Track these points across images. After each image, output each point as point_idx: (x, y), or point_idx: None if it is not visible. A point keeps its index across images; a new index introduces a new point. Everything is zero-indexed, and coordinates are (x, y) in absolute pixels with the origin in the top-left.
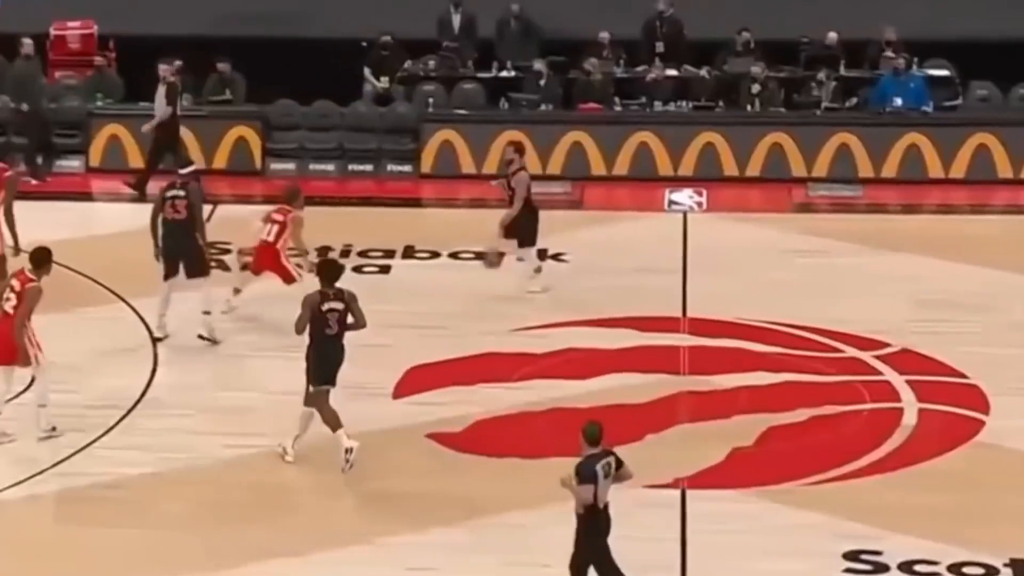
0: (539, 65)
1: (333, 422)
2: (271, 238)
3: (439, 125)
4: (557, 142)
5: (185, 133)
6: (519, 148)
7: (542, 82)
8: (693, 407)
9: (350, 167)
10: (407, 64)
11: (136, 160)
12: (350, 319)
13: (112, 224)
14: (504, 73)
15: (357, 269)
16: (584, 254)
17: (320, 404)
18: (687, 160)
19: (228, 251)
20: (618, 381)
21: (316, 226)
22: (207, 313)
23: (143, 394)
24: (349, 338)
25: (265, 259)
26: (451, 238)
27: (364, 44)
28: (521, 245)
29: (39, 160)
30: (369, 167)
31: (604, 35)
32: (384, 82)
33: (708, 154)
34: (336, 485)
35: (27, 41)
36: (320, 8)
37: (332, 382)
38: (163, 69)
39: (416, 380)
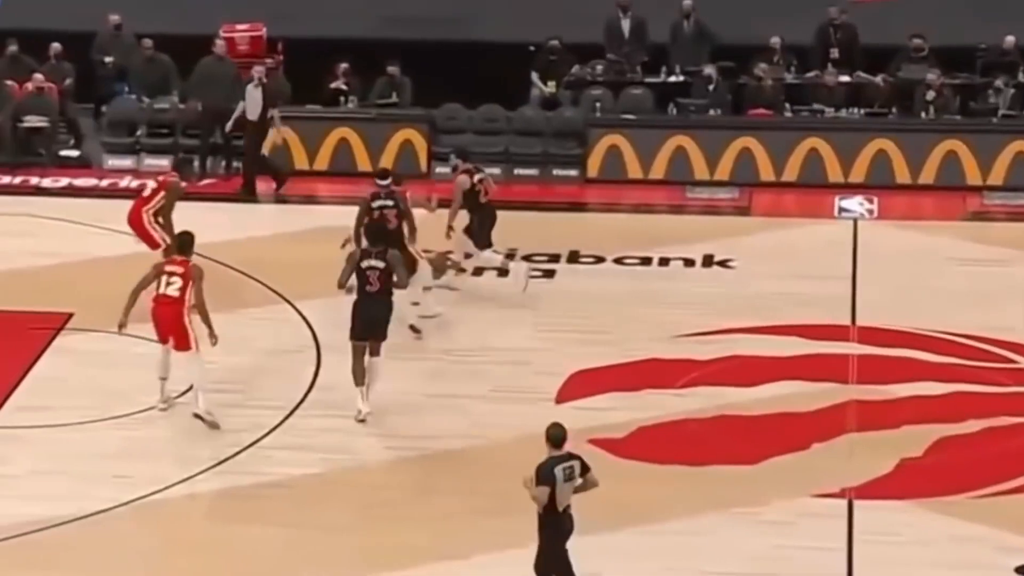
0: (709, 70)
1: (358, 377)
2: None
3: (606, 130)
4: (726, 148)
5: (350, 135)
6: (460, 154)
7: (711, 87)
8: (861, 416)
9: (516, 171)
10: (575, 68)
11: (301, 162)
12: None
13: (276, 225)
14: (673, 78)
15: None
16: (751, 260)
17: (354, 356)
18: (858, 167)
19: None
20: (785, 389)
21: None
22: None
23: (306, 394)
24: (517, 343)
25: None
26: (616, 243)
27: (532, 48)
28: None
29: (202, 162)
30: (535, 171)
31: (775, 40)
32: (551, 86)
33: (880, 161)
34: (497, 489)
35: (220, 41)
36: (488, 12)
37: (365, 338)
38: (257, 70)
39: (579, 385)
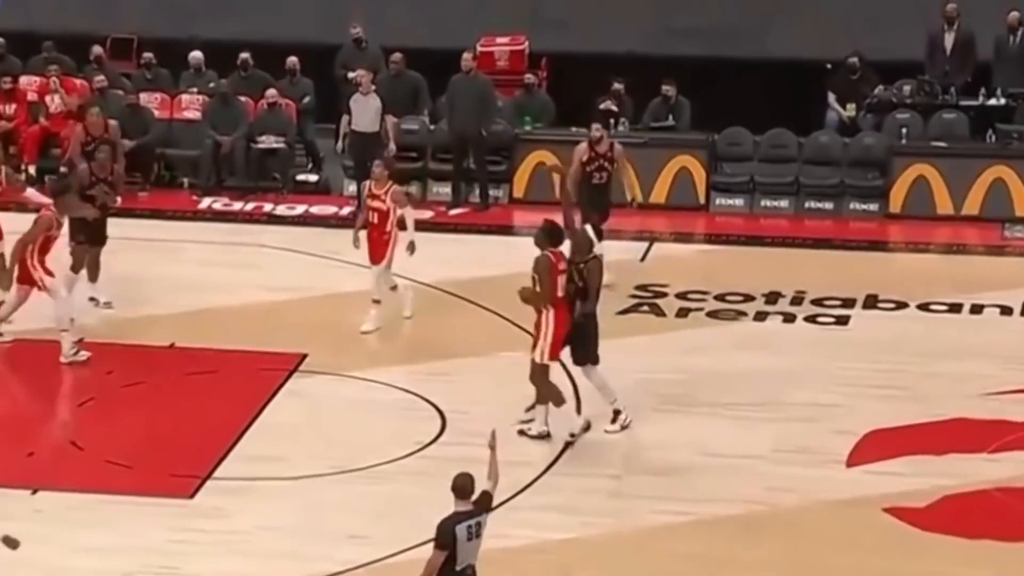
0: None
1: None
2: None
3: (913, 159)
4: None
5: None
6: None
7: None
8: None
9: (807, 204)
10: (878, 89)
11: (552, 192)
12: None
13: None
14: (993, 100)
15: (811, 319)
16: None
17: None
18: None
19: (664, 294)
20: None
21: (766, 269)
22: None
23: (564, 449)
24: (803, 398)
25: None
26: (920, 287)
27: (828, 66)
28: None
29: (454, 189)
30: (829, 205)
31: None
32: (850, 109)
33: None
34: (783, 561)
35: (467, 55)
36: (779, 23)
37: None
38: (361, 74)
39: (875, 446)
